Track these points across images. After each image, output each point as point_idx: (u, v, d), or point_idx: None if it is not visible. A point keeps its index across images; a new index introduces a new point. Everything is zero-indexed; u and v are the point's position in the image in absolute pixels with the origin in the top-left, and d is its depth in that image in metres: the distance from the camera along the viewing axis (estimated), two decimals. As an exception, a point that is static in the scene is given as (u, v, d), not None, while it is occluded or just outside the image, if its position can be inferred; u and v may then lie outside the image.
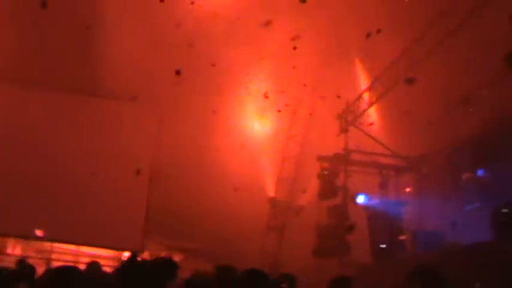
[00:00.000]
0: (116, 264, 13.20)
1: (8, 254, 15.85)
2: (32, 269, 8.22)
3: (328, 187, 15.77)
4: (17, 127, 15.81)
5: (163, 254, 14.88)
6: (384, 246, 14.37)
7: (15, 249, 16.43)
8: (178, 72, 11.40)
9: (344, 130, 15.75)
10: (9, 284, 5.12)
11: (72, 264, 7.82)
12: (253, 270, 4.31)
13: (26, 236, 15.90)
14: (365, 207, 15.36)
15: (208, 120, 16.48)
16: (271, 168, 17.96)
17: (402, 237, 14.54)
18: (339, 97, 15.09)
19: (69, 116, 16.35)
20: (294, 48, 12.97)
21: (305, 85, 16.58)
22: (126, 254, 14.90)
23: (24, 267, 8.54)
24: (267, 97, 15.47)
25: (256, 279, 4.23)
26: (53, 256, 15.92)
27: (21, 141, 15.72)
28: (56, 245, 16.33)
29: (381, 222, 14.88)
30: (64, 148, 15.98)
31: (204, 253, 15.45)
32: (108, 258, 15.07)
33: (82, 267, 6.30)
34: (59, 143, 15.95)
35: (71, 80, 16.03)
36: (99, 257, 13.72)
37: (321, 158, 16.26)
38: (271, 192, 18.09)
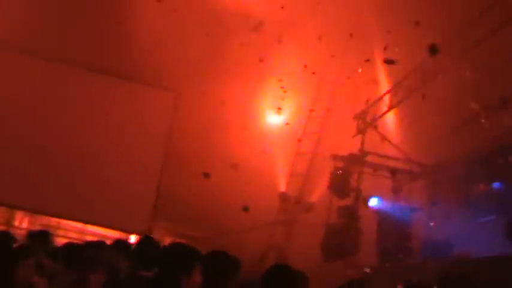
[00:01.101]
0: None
1: (15, 227, 15.89)
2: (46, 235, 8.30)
3: (341, 187, 15.68)
4: (34, 101, 15.79)
5: (168, 240, 14.91)
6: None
7: (22, 222, 16.46)
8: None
9: (361, 131, 15.66)
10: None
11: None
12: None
13: (34, 210, 15.94)
14: (376, 211, 15.29)
15: (221, 110, 16.42)
16: (284, 163, 17.86)
17: (410, 244, 14.51)
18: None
19: (84, 94, 16.30)
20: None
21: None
22: (133, 237, 14.92)
23: (34, 240, 8.60)
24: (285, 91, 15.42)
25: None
26: (59, 232, 15.92)
27: (37, 115, 15.70)
28: (63, 221, 16.35)
29: (390, 226, 14.83)
30: (78, 125, 15.96)
31: (209, 242, 15.38)
32: (112, 239, 15.05)
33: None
34: (74, 120, 15.93)
35: (87, 58, 16.02)
36: (104, 237, 13.69)
37: (335, 157, 16.16)
38: (282, 187, 17.99)
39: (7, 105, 15.48)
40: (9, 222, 16.04)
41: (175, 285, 4.01)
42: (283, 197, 17.90)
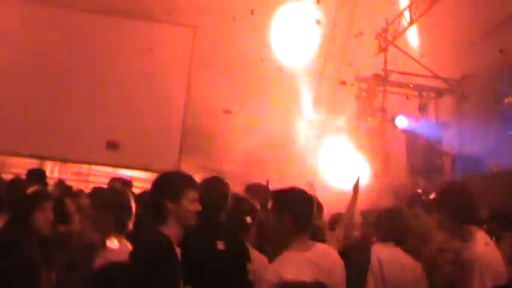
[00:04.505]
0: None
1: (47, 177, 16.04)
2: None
3: (366, 108, 15.44)
4: (61, 50, 15.74)
5: (197, 176, 14.86)
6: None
7: (53, 171, 16.61)
8: None
9: (383, 50, 15.25)
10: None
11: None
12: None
13: (64, 159, 16.07)
14: (403, 130, 15.02)
15: (244, 37, 16.08)
16: (308, 90, 17.55)
17: (441, 161, 14.29)
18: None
19: (108, 38, 16.19)
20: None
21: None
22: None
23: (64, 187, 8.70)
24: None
25: None
26: (90, 178, 16.06)
27: (64, 64, 15.66)
28: (93, 167, 16.46)
29: (420, 145, 14.60)
30: (100, 70, 15.90)
31: (237, 175, 15.35)
32: (142, 180, 15.09)
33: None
34: (95, 65, 15.87)
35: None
36: (135, 178, 13.72)
37: (359, 79, 15.84)
38: (308, 114, 17.73)
39: (36, 57, 15.46)
40: (40, 172, 16.17)
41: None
42: (310, 124, 17.65)
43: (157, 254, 3.65)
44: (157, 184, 4.03)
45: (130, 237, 4.66)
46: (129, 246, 4.46)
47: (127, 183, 7.32)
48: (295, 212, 3.97)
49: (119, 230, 4.63)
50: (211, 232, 4.28)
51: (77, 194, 7.82)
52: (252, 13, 14.96)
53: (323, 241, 4.64)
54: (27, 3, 15.78)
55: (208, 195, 4.24)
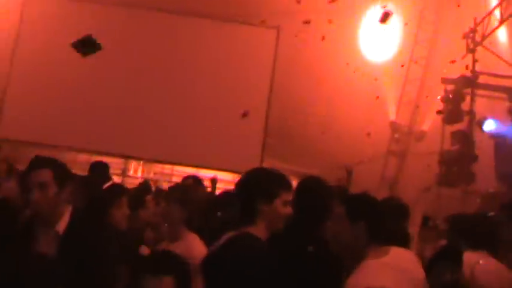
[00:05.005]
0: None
1: (131, 176, 16.39)
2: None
3: (453, 111, 15.02)
4: (141, 50, 16.05)
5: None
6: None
7: (137, 171, 16.95)
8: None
9: (471, 50, 14.77)
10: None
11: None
12: None
13: (148, 158, 16.38)
14: (492, 134, 14.53)
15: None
16: (393, 92, 17.27)
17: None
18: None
19: (189, 39, 16.41)
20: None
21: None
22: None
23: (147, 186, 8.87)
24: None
25: None
26: (174, 179, 16.28)
27: (147, 65, 15.97)
28: (177, 167, 16.67)
29: (509, 150, 14.09)
30: (183, 71, 16.14)
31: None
32: (225, 181, 15.20)
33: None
34: (177, 66, 16.11)
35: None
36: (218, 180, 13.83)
37: (445, 81, 15.41)
38: (392, 116, 17.45)
39: (112, 58, 15.68)
40: (124, 172, 16.54)
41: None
42: (393, 126, 17.37)
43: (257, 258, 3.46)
44: (249, 182, 3.77)
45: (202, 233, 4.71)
46: (198, 241, 4.55)
47: (198, 180, 7.38)
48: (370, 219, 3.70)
49: (189, 224, 4.72)
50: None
51: (157, 192, 7.93)
52: (330, 22, 14.87)
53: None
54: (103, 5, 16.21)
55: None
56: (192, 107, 16.00)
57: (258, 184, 3.70)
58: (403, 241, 4.86)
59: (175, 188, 5.39)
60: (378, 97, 16.22)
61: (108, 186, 5.38)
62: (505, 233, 4.74)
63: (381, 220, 3.76)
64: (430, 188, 14.12)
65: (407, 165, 16.94)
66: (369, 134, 15.32)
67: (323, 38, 15.27)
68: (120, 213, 4.90)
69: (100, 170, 7.86)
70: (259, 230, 3.61)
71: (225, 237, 3.67)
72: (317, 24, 15.18)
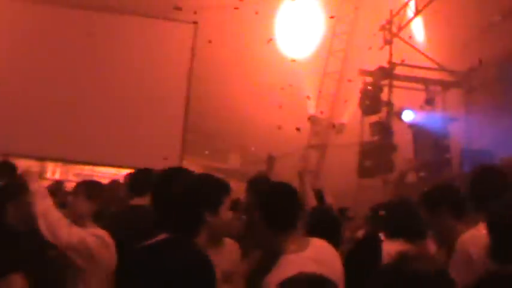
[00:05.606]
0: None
1: (48, 179, 15.81)
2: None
3: (372, 102, 15.14)
4: (57, 48, 15.48)
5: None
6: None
7: (54, 173, 16.39)
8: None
9: (388, 42, 14.95)
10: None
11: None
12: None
13: (65, 159, 15.85)
14: (410, 124, 14.74)
15: (247, 32, 15.86)
16: (312, 85, 17.32)
17: (448, 156, 14.01)
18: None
19: (106, 35, 15.97)
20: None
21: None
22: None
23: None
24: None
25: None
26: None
27: (60, 63, 15.43)
28: (97, 168, 16.22)
29: (427, 139, 14.32)
30: (99, 69, 15.67)
31: (240, 173, 15.09)
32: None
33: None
34: (94, 64, 15.63)
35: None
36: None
37: (363, 72, 15.53)
38: (312, 109, 17.49)
39: (31, 57, 15.11)
40: (41, 174, 15.91)
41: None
42: (313, 119, 17.41)
43: None
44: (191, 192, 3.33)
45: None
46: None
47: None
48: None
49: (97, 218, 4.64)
50: None
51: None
52: (257, 13, 14.73)
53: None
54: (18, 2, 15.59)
55: None
56: (111, 106, 15.50)
57: (203, 194, 3.32)
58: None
59: (82, 183, 5.21)
60: (291, 85, 15.98)
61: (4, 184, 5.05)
62: (423, 222, 4.62)
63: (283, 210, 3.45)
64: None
65: (329, 157, 17.04)
66: (280, 128, 15.02)
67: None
68: (19, 213, 4.58)
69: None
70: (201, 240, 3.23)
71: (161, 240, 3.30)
72: (235, 18, 15.08)
